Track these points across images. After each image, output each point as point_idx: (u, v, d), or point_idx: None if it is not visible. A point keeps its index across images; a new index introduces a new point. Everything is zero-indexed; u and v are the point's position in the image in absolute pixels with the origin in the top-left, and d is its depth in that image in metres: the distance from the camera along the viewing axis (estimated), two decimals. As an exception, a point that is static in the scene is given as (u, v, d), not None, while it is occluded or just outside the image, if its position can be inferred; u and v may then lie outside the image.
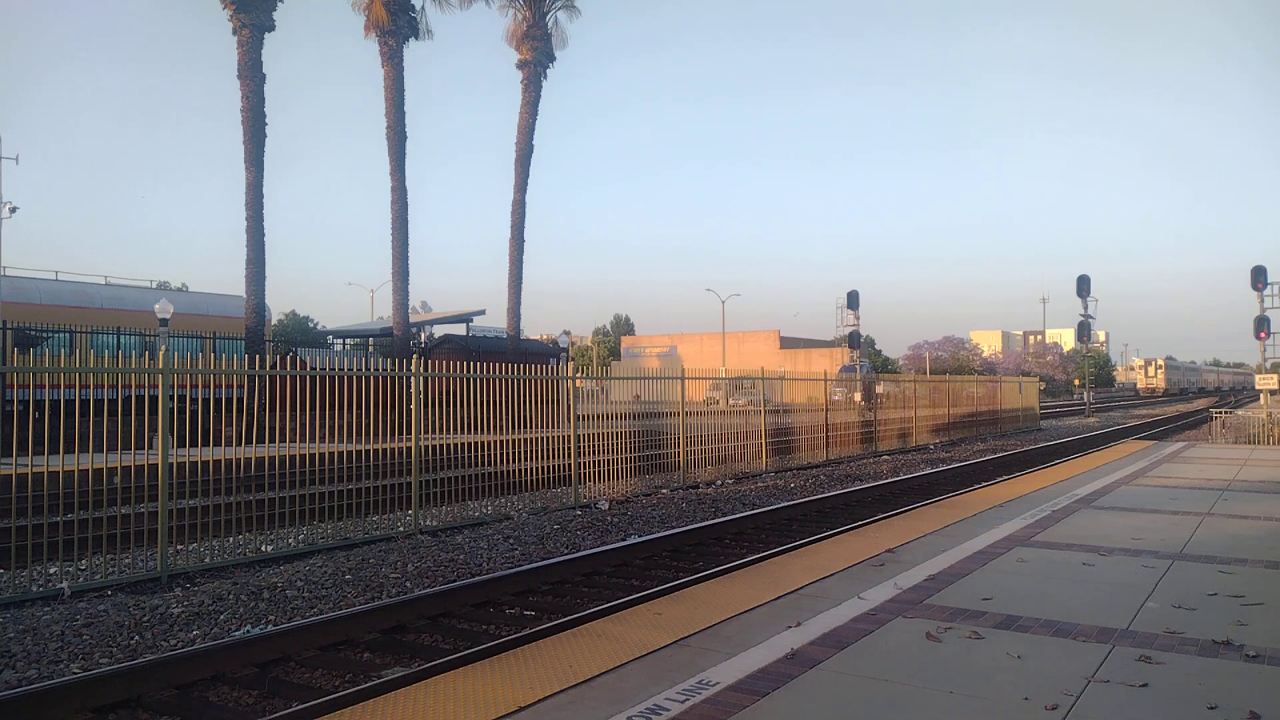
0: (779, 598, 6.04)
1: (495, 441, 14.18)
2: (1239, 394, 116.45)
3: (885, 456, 24.33)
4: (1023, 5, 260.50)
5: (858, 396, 28.75)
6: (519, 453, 14.72)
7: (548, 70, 32.14)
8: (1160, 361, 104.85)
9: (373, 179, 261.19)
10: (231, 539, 10.75)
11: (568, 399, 15.75)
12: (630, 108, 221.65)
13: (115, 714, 5.78)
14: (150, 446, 11.05)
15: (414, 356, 16.44)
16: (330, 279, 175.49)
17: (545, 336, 60.00)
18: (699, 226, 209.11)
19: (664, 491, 16.39)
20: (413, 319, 32.97)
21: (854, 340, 44.84)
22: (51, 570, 9.42)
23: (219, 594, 8.62)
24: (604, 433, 16.37)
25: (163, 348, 11.54)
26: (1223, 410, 37.95)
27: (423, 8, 30.38)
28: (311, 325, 63.66)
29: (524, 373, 14.95)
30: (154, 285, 35.71)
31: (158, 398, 9.93)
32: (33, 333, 23.67)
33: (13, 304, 25.39)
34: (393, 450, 14.16)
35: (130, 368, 10.06)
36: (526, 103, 31.60)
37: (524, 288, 31.34)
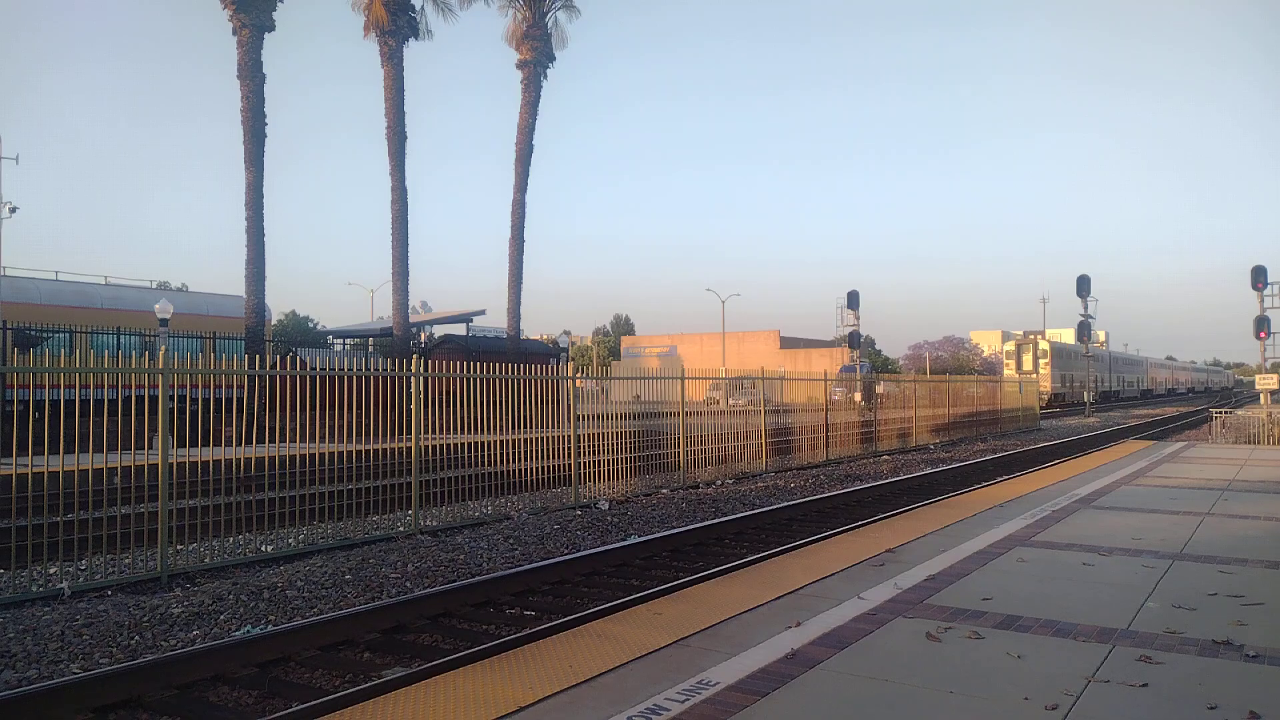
0: (779, 598, 6.04)
1: (495, 441, 14.17)
2: (1207, 399, 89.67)
3: (885, 456, 24.33)
4: (1023, 5, 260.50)
5: (858, 396, 28.77)
6: (519, 453, 14.72)
7: (548, 70, 32.15)
8: (1045, 346, 62.79)
9: (373, 179, 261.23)
10: (231, 539, 10.75)
11: (568, 399, 15.75)
12: (630, 108, 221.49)
13: (115, 714, 5.78)
14: (150, 446, 11.05)
15: (414, 356, 16.44)
16: (330, 279, 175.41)
17: (545, 336, 60.01)
18: (699, 226, 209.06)
19: (664, 491, 16.39)
20: (413, 319, 32.97)
21: (854, 340, 44.87)
22: (51, 570, 9.41)
23: (219, 594, 8.61)
24: (604, 433, 16.37)
25: (163, 348, 11.53)
26: (1223, 411, 37.95)
27: (422, 8, 30.41)
28: (311, 325, 63.66)
29: (524, 373, 14.95)
30: (154, 285, 35.69)
31: (158, 398, 9.93)
32: (33, 333, 23.66)
33: (13, 304, 25.38)
34: (393, 450, 14.16)
35: (130, 368, 10.06)
36: (526, 103, 31.61)
37: (524, 288, 31.37)
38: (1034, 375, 55.03)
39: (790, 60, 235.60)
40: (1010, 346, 65.80)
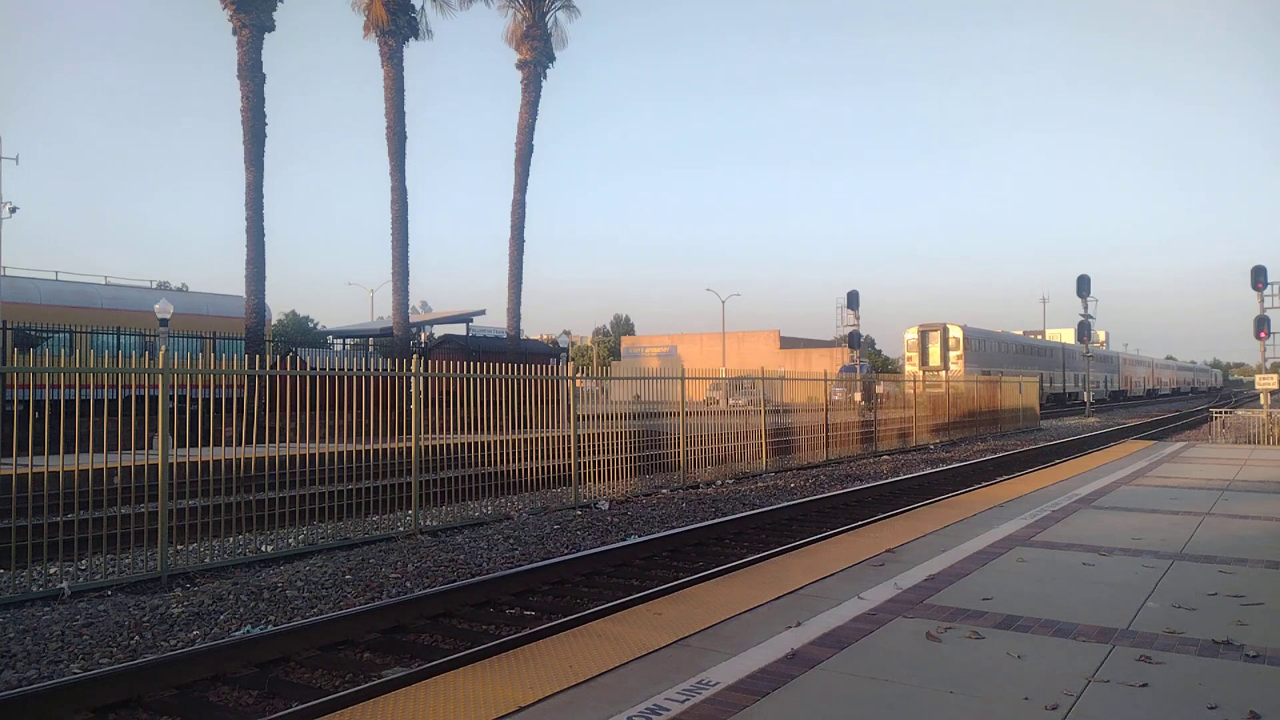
0: (779, 598, 6.04)
1: (495, 441, 14.17)
2: (1194, 400, 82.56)
3: (885, 456, 24.32)
4: (1023, 5, 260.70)
5: (858, 396, 28.76)
6: (519, 453, 14.72)
7: (547, 70, 32.18)
8: (956, 333, 48.34)
9: (373, 179, 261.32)
10: (231, 539, 10.74)
11: (568, 399, 15.75)
12: (630, 108, 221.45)
13: (115, 714, 5.78)
14: (150, 446, 11.05)
15: (414, 356, 16.44)
16: (330, 279, 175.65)
17: (545, 336, 60.02)
18: (699, 226, 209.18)
19: (664, 491, 16.38)
20: (413, 319, 32.97)
21: (854, 340, 44.89)
22: (51, 570, 9.41)
23: (219, 594, 8.61)
24: (604, 433, 16.36)
25: (163, 348, 11.53)
26: (1223, 410, 37.95)
27: (422, 8, 30.43)
28: (311, 325, 63.72)
29: (524, 373, 14.95)
30: (154, 285, 35.71)
31: (158, 398, 9.93)
32: (33, 333, 23.67)
33: (13, 304, 25.38)
34: (393, 450, 14.16)
35: (130, 368, 10.05)
36: (526, 103, 31.62)
37: (524, 288, 31.41)
38: (942, 372, 43.05)
39: (790, 60, 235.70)
40: (913, 334, 49.73)
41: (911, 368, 46.81)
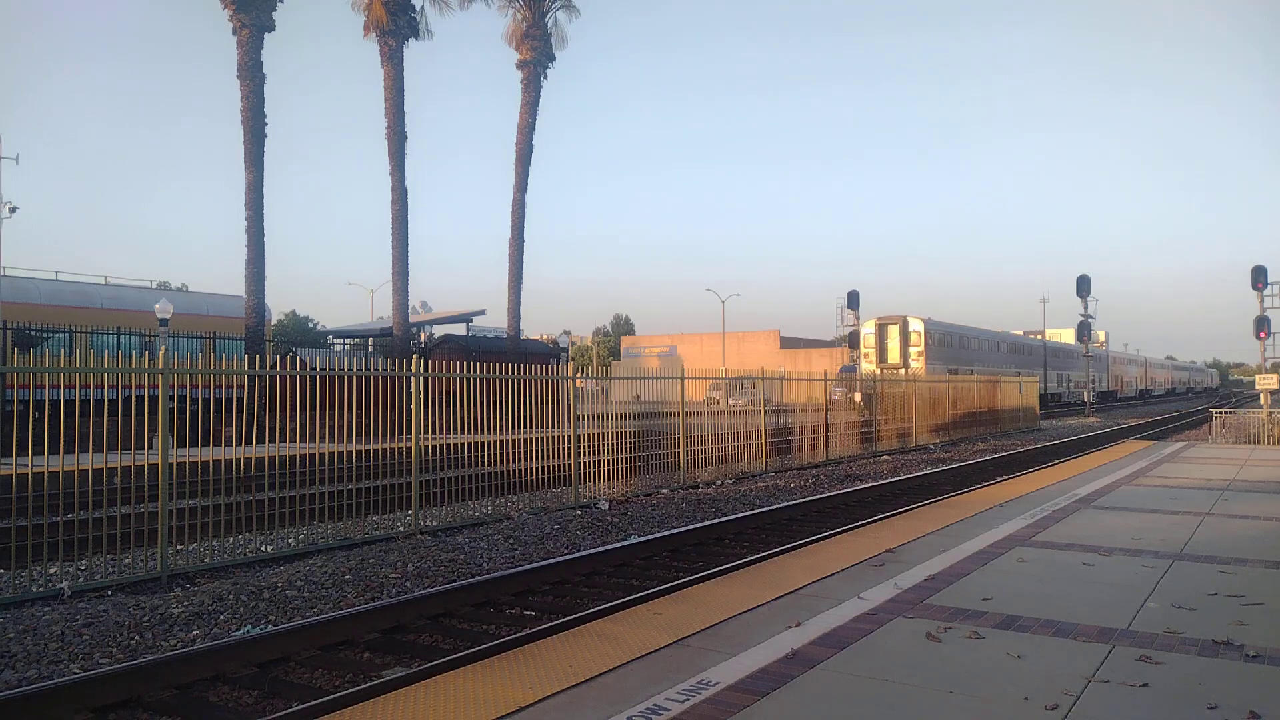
0: (779, 598, 6.04)
1: (495, 441, 14.17)
2: (1188, 402, 78.29)
3: (885, 456, 24.32)
4: (1023, 5, 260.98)
5: (858, 396, 28.74)
6: (519, 453, 14.71)
7: (547, 70, 32.21)
8: (918, 327, 42.91)
9: (373, 179, 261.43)
10: (231, 539, 10.74)
11: (568, 399, 15.75)
12: (631, 108, 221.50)
13: (115, 714, 5.78)
14: (150, 446, 11.05)
15: (414, 356, 16.43)
16: (330, 279, 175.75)
17: (545, 336, 59.99)
18: (699, 226, 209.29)
19: (664, 491, 16.38)
20: (413, 319, 32.98)
21: (854, 340, 44.82)
22: (51, 570, 9.41)
23: (219, 594, 8.61)
24: (604, 433, 16.36)
25: (163, 348, 11.53)
26: (1223, 410, 37.92)
27: (422, 8, 30.45)
28: (311, 325, 63.73)
29: (524, 373, 14.94)
30: (154, 285, 35.72)
31: (158, 398, 9.93)
32: (33, 333, 23.67)
33: (13, 304, 25.38)
34: (393, 450, 14.16)
35: (130, 368, 10.05)
36: (526, 103, 31.64)
37: (524, 288, 31.46)
38: (901, 370, 39.09)
39: (790, 60, 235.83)
40: (869, 328, 43.65)
41: (869, 365, 41.92)
